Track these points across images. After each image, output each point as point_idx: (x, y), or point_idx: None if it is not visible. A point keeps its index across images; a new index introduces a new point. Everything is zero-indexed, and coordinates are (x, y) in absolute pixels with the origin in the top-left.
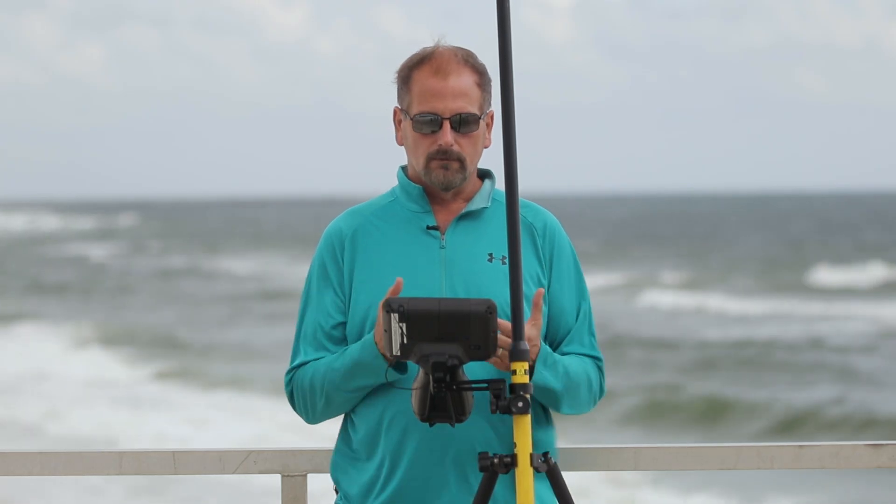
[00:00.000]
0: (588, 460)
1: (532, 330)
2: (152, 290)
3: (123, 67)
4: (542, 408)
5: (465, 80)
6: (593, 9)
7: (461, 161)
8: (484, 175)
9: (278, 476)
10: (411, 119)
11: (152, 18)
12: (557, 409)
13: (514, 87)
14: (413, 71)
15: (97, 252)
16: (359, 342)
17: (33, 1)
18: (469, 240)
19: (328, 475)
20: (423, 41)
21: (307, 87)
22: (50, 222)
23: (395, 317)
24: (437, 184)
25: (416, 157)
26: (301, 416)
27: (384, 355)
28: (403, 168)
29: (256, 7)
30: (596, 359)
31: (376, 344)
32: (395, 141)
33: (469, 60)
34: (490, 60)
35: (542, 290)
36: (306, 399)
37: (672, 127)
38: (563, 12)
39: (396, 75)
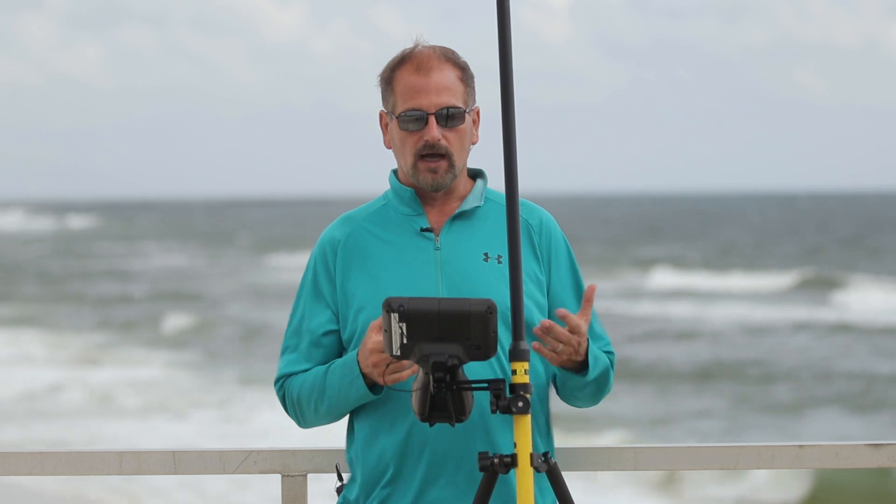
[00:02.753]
0: (588, 460)
1: (583, 325)
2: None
3: (121, 67)
4: (545, 416)
5: (448, 75)
6: (591, 8)
7: (449, 158)
8: (476, 175)
9: (278, 476)
10: (397, 118)
11: (149, 18)
12: (584, 403)
13: (514, 87)
14: (395, 71)
15: (24, 255)
16: (344, 368)
17: (30, 1)
18: (463, 240)
19: (328, 475)
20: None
21: (304, 86)
22: (10, 222)
23: (394, 317)
24: (427, 186)
25: (403, 157)
26: (293, 420)
27: (364, 374)
28: (395, 172)
29: (253, 6)
30: (612, 354)
31: (358, 364)
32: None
33: (450, 57)
34: (490, 60)
35: (595, 285)
36: (296, 409)
37: (670, 126)
38: (560, 12)
39: (379, 79)
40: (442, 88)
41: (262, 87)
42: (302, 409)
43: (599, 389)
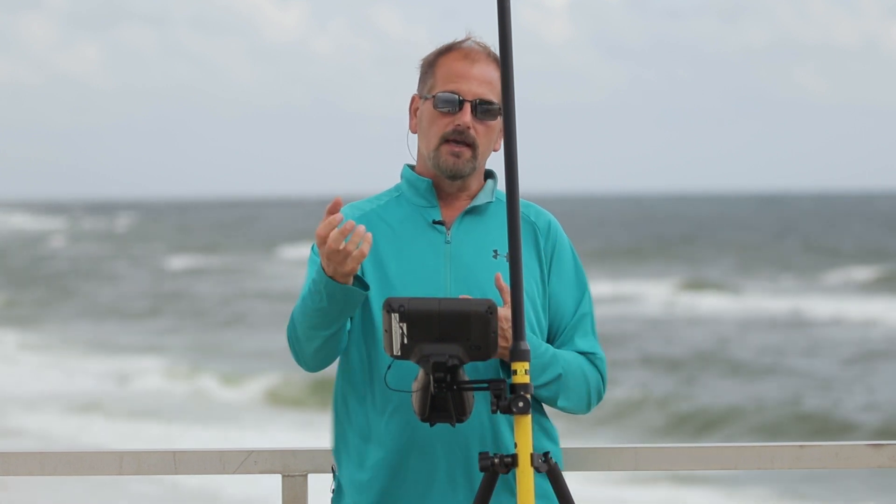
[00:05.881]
0: (588, 460)
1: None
2: None
3: (121, 67)
4: (538, 403)
5: (492, 72)
6: (590, 8)
7: (474, 148)
8: (487, 176)
9: (278, 476)
10: (432, 98)
11: (149, 18)
12: (552, 401)
13: (514, 86)
14: (440, 56)
15: None
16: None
17: (30, 1)
18: (474, 235)
19: (328, 475)
20: (420, 41)
21: (304, 86)
22: None
23: (395, 317)
24: (447, 170)
25: (428, 139)
26: (299, 363)
27: (335, 279)
28: (408, 166)
29: (253, 6)
30: (594, 356)
31: (324, 272)
32: (407, 130)
33: (496, 58)
34: None
35: (499, 274)
36: (294, 341)
37: (670, 126)
38: (559, 12)
39: (421, 62)
40: (484, 81)
41: (262, 87)
42: (297, 334)
43: (556, 394)
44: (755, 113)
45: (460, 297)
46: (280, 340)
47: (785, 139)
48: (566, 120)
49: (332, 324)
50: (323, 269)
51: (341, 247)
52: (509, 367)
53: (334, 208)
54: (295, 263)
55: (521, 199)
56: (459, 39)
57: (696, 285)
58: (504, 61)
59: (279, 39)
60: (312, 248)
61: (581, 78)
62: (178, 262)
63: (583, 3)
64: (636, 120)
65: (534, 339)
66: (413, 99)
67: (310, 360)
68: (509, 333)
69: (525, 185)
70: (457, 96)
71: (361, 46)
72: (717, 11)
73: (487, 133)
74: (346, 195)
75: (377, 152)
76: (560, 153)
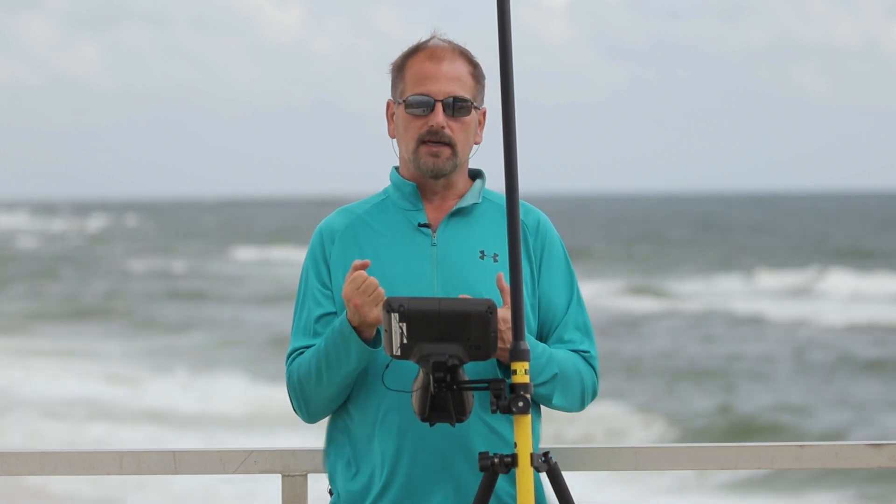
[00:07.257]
0: (588, 460)
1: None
2: None
3: (121, 67)
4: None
5: (459, 66)
6: (590, 8)
7: (452, 147)
8: (475, 175)
9: (278, 476)
10: (404, 102)
11: (149, 18)
12: (548, 400)
13: (514, 86)
14: (407, 59)
15: None
16: (334, 326)
17: (30, 1)
18: (460, 237)
19: (327, 475)
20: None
21: (304, 86)
22: None
23: (395, 316)
24: (427, 170)
25: (406, 143)
26: (299, 413)
27: (360, 335)
28: (396, 168)
29: (253, 6)
30: (587, 354)
31: (349, 323)
32: (387, 136)
33: (463, 52)
34: (490, 60)
35: (501, 273)
36: (299, 390)
37: (670, 126)
38: (559, 12)
39: (391, 67)
40: (452, 78)
41: (262, 87)
42: (303, 388)
43: (551, 392)
44: (755, 113)
45: (460, 296)
46: (237, 338)
47: (785, 139)
48: (566, 120)
49: (352, 373)
50: (346, 325)
51: (371, 292)
52: (507, 367)
53: (363, 266)
54: (251, 264)
55: None
56: (424, 39)
57: (639, 290)
58: (504, 61)
59: (279, 39)
60: (302, 278)
61: (581, 78)
62: (139, 264)
63: (583, 3)
64: (636, 120)
65: (531, 340)
66: (388, 104)
67: (314, 408)
68: (508, 335)
69: (525, 185)
70: (427, 97)
71: (361, 46)
72: (717, 11)
73: (463, 129)
74: (346, 195)
75: (377, 152)
76: (560, 153)
